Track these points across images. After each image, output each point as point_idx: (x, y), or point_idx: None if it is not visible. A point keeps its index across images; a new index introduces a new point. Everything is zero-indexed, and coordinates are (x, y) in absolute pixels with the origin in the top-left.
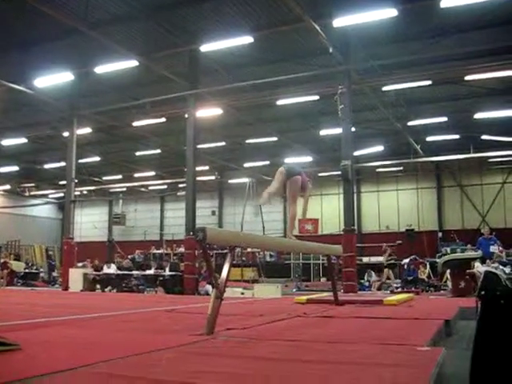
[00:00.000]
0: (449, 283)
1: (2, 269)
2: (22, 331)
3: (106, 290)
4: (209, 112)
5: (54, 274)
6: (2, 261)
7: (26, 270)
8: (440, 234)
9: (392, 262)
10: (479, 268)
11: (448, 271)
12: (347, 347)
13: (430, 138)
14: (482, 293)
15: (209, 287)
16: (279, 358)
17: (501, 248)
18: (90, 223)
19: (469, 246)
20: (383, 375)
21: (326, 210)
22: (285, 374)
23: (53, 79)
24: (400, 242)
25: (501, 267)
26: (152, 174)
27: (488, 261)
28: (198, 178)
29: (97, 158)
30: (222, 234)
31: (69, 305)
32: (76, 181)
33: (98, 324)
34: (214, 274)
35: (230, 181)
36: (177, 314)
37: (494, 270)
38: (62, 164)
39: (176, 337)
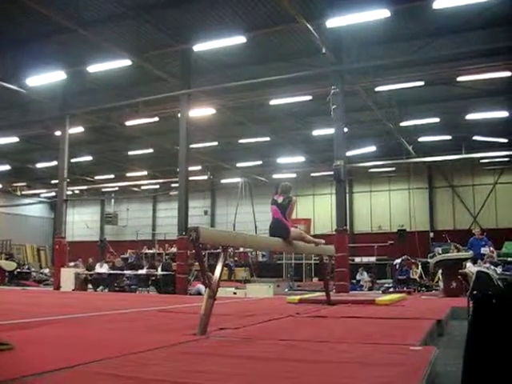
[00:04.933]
0: (440, 283)
1: None
2: (14, 331)
3: (97, 289)
4: (201, 112)
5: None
6: None
7: (18, 270)
8: (432, 235)
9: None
10: (471, 268)
11: (440, 271)
12: (340, 347)
13: (422, 139)
14: (474, 293)
15: (201, 287)
16: (272, 357)
17: (492, 248)
18: (81, 223)
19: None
20: (376, 374)
21: (319, 210)
22: (277, 373)
23: (45, 78)
24: (392, 242)
25: (492, 267)
26: (144, 173)
27: (479, 261)
28: (191, 178)
29: (89, 158)
30: (216, 233)
31: (61, 304)
32: (68, 180)
33: (90, 323)
34: (207, 273)
35: (222, 181)
36: (169, 314)
37: (486, 270)
38: (54, 163)
39: (169, 336)
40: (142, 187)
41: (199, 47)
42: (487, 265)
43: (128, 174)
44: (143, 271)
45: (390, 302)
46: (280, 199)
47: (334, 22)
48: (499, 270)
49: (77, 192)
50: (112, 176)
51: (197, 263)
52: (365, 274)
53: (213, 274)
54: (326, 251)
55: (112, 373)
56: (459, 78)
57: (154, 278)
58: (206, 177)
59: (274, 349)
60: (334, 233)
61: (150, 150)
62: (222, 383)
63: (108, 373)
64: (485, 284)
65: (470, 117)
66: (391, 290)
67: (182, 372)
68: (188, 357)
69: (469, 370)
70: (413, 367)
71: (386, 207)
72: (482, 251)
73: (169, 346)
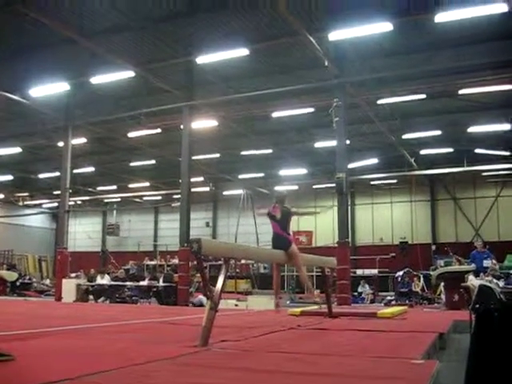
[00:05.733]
0: (442, 296)
1: None
2: (15, 341)
3: (99, 300)
4: (204, 123)
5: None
6: None
7: (19, 280)
8: (434, 247)
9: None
10: (473, 281)
11: (442, 284)
12: (341, 360)
13: (424, 151)
14: (477, 306)
15: (203, 298)
16: (273, 370)
17: (494, 261)
18: (83, 233)
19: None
20: None
21: (320, 222)
22: None
23: (48, 89)
24: (394, 254)
25: (495, 280)
26: (146, 184)
27: (482, 274)
28: (193, 190)
29: (91, 169)
30: (218, 245)
31: (62, 315)
32: (70, 191)
33: (92, 335)
34: (209, 285)
35: (224, 192)
36: (171, 326)
37: (488, 284)
38: (57, 174)
39: (171, 348)
40: (144, 198)
41: (202, 59)
42: (489, 278)
43: (130, 185)
44: (145, 282)
45: (391, 314)
46: (278, 214)
47: (336, 34)
48: (501, 283)
49: (79, 203)
50: (114, 187)
51: (198, 275)
52: (366, 286)
53: (214, 286)
54: (328, 263)
55: None
56: (461, 91)
57: (155, 289)
58: (208, 188)
59: (274, 361)
60: (335, 245)
61: (153, 162)
62: None
63: None
64: (487, 297)
65: (472, 129)
66: (393, 302)
67: None
68: (189, 369)
69: None
70: (415, 381)
71: (388, 219)
72: (484, 264)
73: (170, 358)
